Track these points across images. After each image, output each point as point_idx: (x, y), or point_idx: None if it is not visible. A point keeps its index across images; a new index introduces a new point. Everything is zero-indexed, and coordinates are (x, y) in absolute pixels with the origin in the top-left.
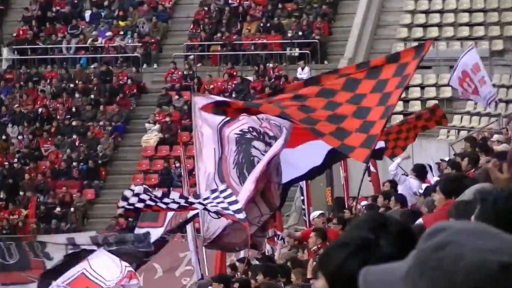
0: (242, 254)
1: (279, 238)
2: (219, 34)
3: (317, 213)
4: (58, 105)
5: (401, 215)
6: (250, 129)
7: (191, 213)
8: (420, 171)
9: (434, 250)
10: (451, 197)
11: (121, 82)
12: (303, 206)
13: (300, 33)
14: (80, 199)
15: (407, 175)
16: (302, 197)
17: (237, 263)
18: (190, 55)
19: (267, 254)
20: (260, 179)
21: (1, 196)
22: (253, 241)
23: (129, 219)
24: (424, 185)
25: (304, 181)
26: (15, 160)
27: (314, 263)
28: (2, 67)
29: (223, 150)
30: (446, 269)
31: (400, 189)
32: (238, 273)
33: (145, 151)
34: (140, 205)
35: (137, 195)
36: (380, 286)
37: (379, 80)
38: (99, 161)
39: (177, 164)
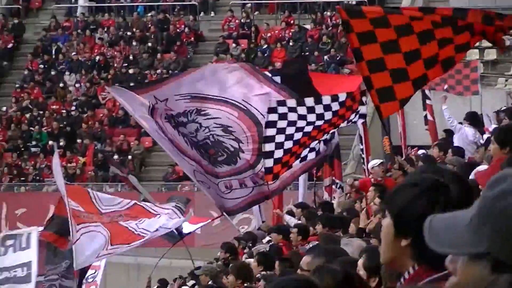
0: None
1: (338, 187)
2: None
3: (376, 161)
4: (115, 53)
5: (459, 167)
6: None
7: None
8: (473, 119)
9: (498, 198)
10: (506, 147)
11: (178, 30)
12: (362, 155)
13: None
14: (138, 147)
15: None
16: (361, 146)
17: (294, 209)
18: (248, 3)
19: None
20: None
21: (60, 144)
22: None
23: None
24: (485, 136)
25: (363, 129)
26: (73, 108)
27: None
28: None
29: (164, 131)
30: (509, 217)
31: (457, 138)
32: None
33: None
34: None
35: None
36: (444, 232)
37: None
38: None
39: None
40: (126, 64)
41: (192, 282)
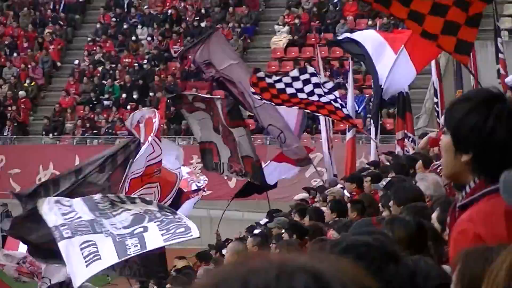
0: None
1: (411, 140)
2: None
3: None
4: (187, 6)
5: None
6: None
7: None
8: None
9: None
10: None
11: None
12: (437, 108)
13: None
14: None
15: None
16: (435, 100)
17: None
18: None
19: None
20: None
21: (133, 97)
22: None
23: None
24: None
25: (438, 82)
26: (145, 61)
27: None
28: None
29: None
30: None
31: None
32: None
33: (274, 53)
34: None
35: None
36: None
37: None
38: None
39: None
40: (198, 18)
41: (265, 220)
